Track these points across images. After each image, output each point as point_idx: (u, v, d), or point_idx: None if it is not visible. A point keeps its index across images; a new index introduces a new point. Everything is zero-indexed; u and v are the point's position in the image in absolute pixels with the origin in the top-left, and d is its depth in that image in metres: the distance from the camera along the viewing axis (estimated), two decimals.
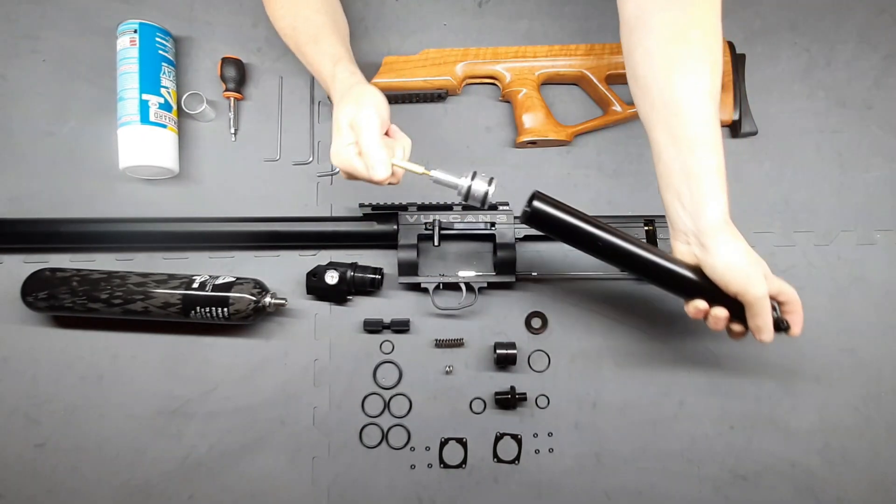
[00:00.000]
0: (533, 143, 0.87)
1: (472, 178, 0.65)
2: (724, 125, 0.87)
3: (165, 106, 0.83)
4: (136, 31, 0.82)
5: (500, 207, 0.81)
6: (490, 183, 0.65)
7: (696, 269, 0.66)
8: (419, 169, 0.67)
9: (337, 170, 0.85)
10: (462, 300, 0.81)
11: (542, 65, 0.86)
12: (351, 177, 0.67)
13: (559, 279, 0.84)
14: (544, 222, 0.65)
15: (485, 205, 0.66)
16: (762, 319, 0.64)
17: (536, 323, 0.83)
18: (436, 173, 0.66)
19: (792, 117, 0.89)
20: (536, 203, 0.64)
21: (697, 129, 0.61)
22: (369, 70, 0.88)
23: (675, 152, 0.63)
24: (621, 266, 0.68)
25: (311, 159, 0.87)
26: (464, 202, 0.67)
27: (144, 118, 0.81)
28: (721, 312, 0.66)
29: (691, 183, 0.62)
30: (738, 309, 0.66)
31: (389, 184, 0.67)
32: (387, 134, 0.69)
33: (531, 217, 0.65)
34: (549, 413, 0.81)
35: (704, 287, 0.66)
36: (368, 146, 0.64)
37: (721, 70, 0.63)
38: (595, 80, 0.86)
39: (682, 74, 0.61)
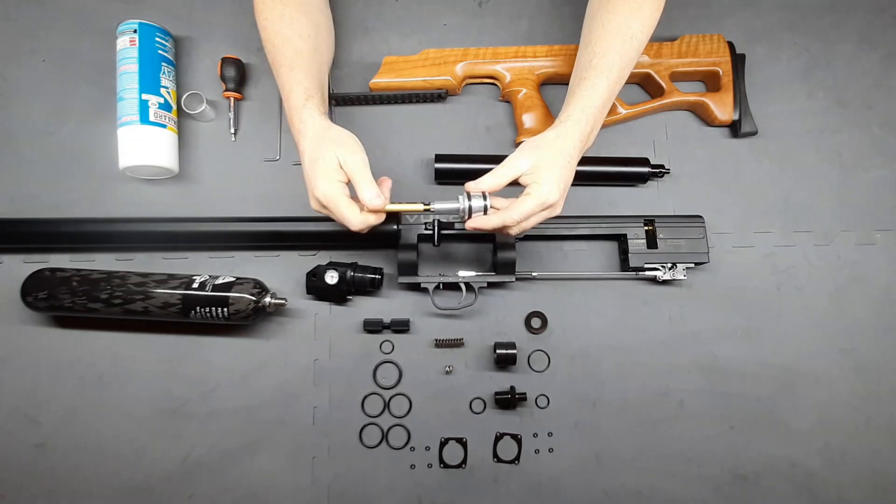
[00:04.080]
0: None
1: (469, 199, 0.68)
2: (724, 125, 0.87)
3: (165, 106, 0.83)
4: (135, 31, 0.82)
5: None
6: (485, 198, 0.68)
7: None
8: (419, 206, 0.70)
9: None
10: (462, 300, 0.81)
11: (542, 65, 0.86)
12: (323, 210, 0.70)
13: (559, 279, 0.84)
14: (449, 174, 0.83)
15: (486, 212, 0.69)
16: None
17: (536, 323, 0.83)
18: (436, 205, 0.69)
19: (792, 117, 0.89)
20: (438, 164, 0.83)
21: (593, 58, 0.72)
22: (369, 70, 0.88)
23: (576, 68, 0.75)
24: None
25: None
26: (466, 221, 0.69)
27: (144, 118, 0.81)
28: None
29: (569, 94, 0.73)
30: None
31: (364, 228, 0.69)
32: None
33: (438, 173, 0.83)
34: (549, 413, 0.81)
35: None
36: (366, 184, 0.67)
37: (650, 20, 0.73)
38: None
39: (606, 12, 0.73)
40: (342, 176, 0.67)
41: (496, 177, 0.68)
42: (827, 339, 0.83)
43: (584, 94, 0.70)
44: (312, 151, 0.68)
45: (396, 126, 0.88)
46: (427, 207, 0.69)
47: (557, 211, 0.69)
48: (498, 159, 0.84)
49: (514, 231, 0.69)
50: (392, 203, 0.70)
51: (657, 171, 0.84)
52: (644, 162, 0.84)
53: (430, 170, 0.86)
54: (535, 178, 0.67)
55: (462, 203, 0.68)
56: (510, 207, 0.68)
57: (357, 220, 0.67)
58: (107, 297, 0.75)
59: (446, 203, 0.69)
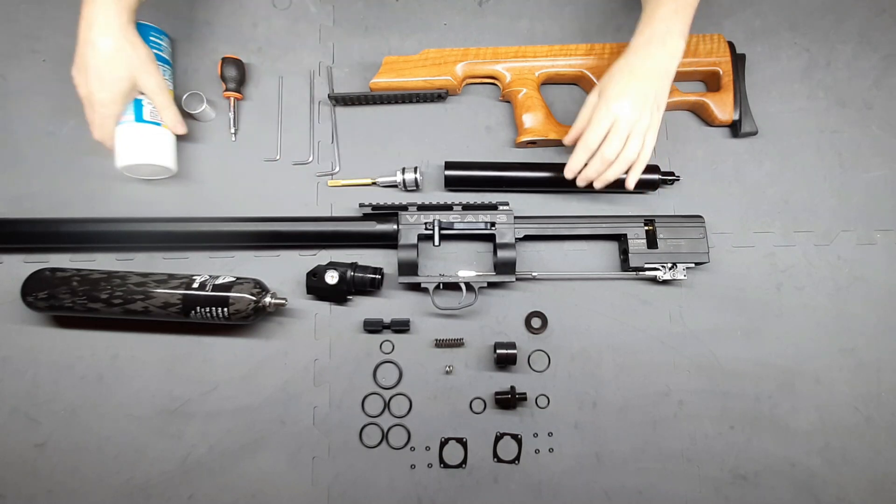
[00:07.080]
0: (533, 143, 0.87)
1: (404, 173, 0.84)
2: (724, 125, 0.87)
3: None
4: None
5: (500, 207, 0.81)
6: (416, 171, 0.83)
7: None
8: (368, 181, 0.85)
9: (337, 169, 0.85)
10: (462, 300, 0.81)
11: (542, 65, 0.86)
12: (80, 89, 0.77)
13: (559, 279, 0.84)
14: (460, 182, 0.84)
15: (419, 187, 0.85)
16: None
17: (536, 323, 0.83)
18: (380, 179, 0.85)
19: (792, 117, 0.89)
20: (448, 171, 0.83)
21: None
22: (369, 70, 0.88)
23: None
24: (531, 187, 0.86)
25: (310, 159, 0.87)
26: (404, 190, 0.85)
27: (139, 116, 0.80)
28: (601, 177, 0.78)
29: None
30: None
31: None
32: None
33: (448, 181, 0.84)
34: (549, 413, 0.81)
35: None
36: (168, 109, 0.80)
37: None
38: (595, 80, 0.86)
39: None
40: (132, 96, 0.78)
41: (579, 118, 0.78)
42: (827, 339, 0.83)
43: (646, 6, 0.75)
44: (102, 45, 0.74)
45: (396, 126, 0.88)
46: (374, 181, 0.85)
47: (632, 117, 0.73)
48: (506, 166, 0.84)
49: (606, 152, 0.75)
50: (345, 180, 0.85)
51: (667, 178, 0.84)
52: (654, 169, 0.83)
53: (429, 169, 0.86)
54: (602, 100, 0.74)
55: (398, 177, 0.84)
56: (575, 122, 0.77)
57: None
58: (107, 297, 0.75)
59: (388, 177, 0.84)
